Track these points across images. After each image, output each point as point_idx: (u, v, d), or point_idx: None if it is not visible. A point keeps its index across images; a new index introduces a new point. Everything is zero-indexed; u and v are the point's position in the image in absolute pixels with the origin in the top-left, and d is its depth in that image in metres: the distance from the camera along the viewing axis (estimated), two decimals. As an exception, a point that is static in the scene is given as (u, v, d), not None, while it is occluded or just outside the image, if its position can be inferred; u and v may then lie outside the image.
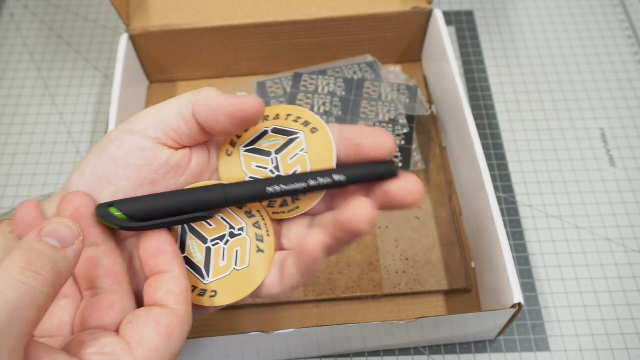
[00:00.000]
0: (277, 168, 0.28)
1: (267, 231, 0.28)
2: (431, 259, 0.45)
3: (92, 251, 0.26)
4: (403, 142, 0.48)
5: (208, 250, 0.27)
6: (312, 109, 0.49)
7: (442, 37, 0.49)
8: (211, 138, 0.28)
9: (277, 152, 0.28)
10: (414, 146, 0.50)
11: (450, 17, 0.61)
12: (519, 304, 0.36)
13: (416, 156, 0.50)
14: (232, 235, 0.28)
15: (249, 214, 0.28)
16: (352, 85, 0.50)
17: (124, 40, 0.50)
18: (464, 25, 0.61)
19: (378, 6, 0.51)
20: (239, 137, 0.29)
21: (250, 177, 0.28)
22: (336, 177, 0.27)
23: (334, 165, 0.27)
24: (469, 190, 0.45)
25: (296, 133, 0.28)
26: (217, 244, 0.28)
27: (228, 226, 0.28)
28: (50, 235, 0.22)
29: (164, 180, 0.27)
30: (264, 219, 0.29)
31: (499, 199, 0.49)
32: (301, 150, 0.28)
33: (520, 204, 0.49)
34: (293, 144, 0.28)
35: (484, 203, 0.41)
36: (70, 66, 0.59)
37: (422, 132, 0.52)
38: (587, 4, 0.62)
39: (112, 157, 0.26)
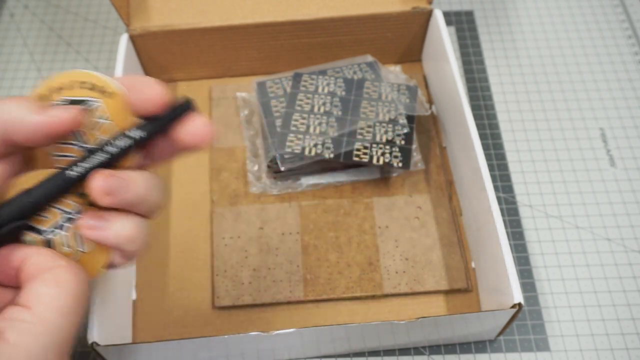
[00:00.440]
0: (85, 147, 0.27)
1: None
2: (431, 259, 0.45)
3: None
4: (403, 142, 0.48)
5: (48, 242, 0.27)
6: (312, 109, 0.49)
7: (442, 37, 0.49)
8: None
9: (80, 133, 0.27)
10: (414, 146, 0.50)
11: (450, 17, 0.61)
12: (519, 304, 0.36)
13: (416, 156, 0.50)
14: (68, 220, 0.27)
15: (81, 195, 0.27)
16: (352, 85, 0.50)
17: (124, 40, 0.50)
18: (464, 25, 0.61)
19: (378, 6, 0.51)
20: None
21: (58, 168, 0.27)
22: (134, 134, 0.26)
23: (134, 124, 0.27)
24: (469, 190, 0.45)
25: (94, 102, 0.27)
26: (56, 232, 0.27)
27: (61, 212, 0.27)
28: None
29: None
30: None
31: (499, 199, 0.49)
32: (102, 119, 0.27)
33: (520, 204, 0.49)
34: (94, 115, 0.27)
35: (484, 203, 0.41)
36: (70, 66, 0.59)
37: (422, 132, 0.52)
38: (587, 4, 0.62)
39: None
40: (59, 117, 0.25)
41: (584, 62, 0.58)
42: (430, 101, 0.54)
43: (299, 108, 0.49)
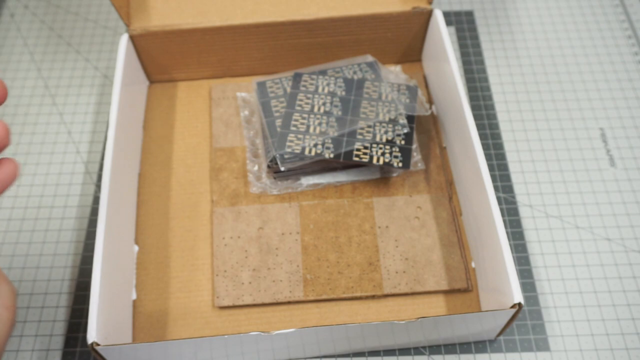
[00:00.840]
0: None
1: None
2: (431, 259, 0.45)
3: None
4: (403, 142, 0.48)
5: None
6: (312, 109, 0.49)
7: (442, 37, 0.49)
8: None
9: None
10: (414, 146, 0.50)
11: (450, 17, 0.61)
12: (519, 304, 0.36)
13: (416, 156, 0.50)
14: None
15: None
16: (352, 85, 0.50)
17: (124, 40, 0.50)
18: (464, 25, 0.61)
19: (378, 6, 0.51)
20: None
21: None
22: None
23: None
24: (469, 190, 0.45)
25: None
26: None
27: None
28: None
29: None
30: None
31: (499, 199, 0.49)
32: None
33: (520, 204, 0.49)
34: None
35: (484, 203, 0.41)
36: (70, 66, 0.59)
37: (422, 132, 0.52)
38: (587, 4, 0.62)
39: None
40: None
41: (584, 62, 0.58)
42: (430, 101, 0.54)
43: (299, 108, 0.49)
